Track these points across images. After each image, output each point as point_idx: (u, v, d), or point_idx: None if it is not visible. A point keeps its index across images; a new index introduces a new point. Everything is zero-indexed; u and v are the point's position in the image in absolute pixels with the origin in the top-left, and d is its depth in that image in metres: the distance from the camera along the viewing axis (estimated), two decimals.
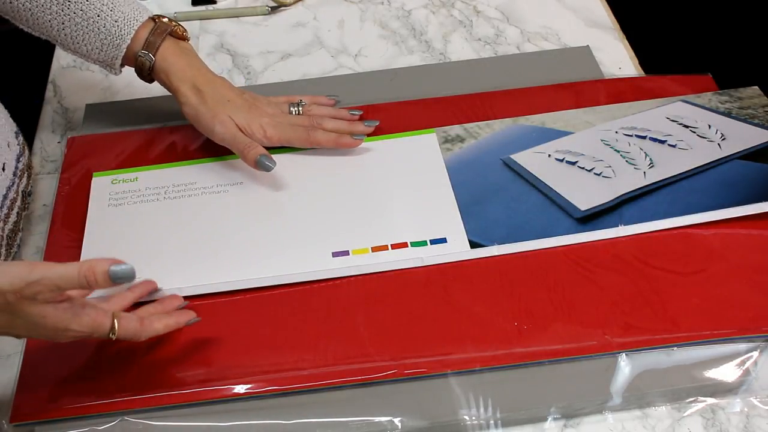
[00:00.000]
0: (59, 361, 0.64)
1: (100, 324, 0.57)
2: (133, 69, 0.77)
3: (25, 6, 0.72)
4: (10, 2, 0.72)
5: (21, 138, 0.76)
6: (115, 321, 0.58)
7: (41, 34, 0.75)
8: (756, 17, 1.74)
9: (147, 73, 0.76)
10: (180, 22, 0.78)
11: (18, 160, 0.73)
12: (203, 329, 0.65)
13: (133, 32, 0.73)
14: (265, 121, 0.76)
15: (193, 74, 0.75)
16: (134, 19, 0.74)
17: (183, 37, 0.77)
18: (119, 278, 0.54)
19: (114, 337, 0.58)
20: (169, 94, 0.86)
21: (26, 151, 0.77)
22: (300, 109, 0.79)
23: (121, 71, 0.77)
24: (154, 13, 0.76)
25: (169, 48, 0.75)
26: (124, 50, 0.74)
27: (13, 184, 0.72)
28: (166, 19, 0.76)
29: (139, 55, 0.74)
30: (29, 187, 0.76)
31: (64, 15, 0.72)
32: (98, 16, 0.73)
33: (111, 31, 0.73)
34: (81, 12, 0.72)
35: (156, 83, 0.78)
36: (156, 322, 0.61)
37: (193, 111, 0.75)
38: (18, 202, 0.72)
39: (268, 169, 0.73)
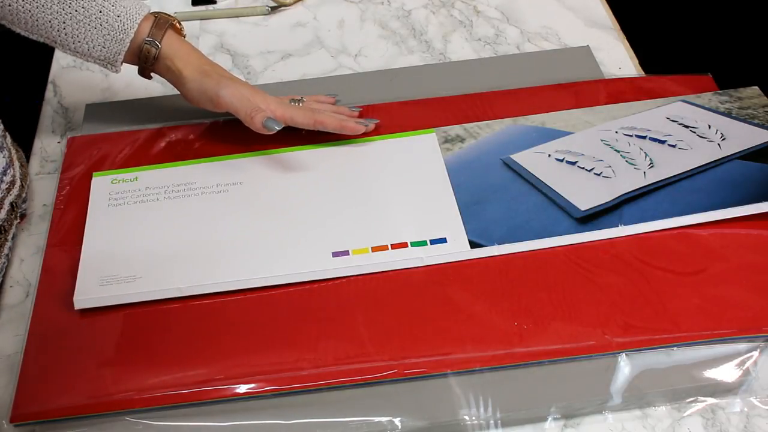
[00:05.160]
0: (59, 362, 0.64)
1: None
2: (133, 65, 0.77)
3: (25, 8, 0.72)
4: (9, 5, 0.72)
5: (7, 151, 0.75)
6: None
7: (39, 37, 0.74)
8: (756, 17, 1.74)
9: (151, 63, 0.76)
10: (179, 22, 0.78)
11: (4, 173, 0.73)
12: (203, 329, 0.65)
13: (136, 26, 0.74)
14: (269, 99, 0.77)
15: (198, 58, 0.77)
16: (136, 14, 0.74)
17: (181, 34, 0.78)
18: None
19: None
20: (169, 94, 0.87)
21: (15, 162, 0.76)
22: (301, 104, 0.80)
23: (120, 69, 0.77)
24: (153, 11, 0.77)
25: (173, 36, 0.76)
26: (128, 45, 0.74)
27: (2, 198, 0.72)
28: (165, 15, 0.77)
29: (146, 42, 0.75)
30: (23, 195, 0.76)
31: (66, 14, 0.72)
32: (100, 12, 0.73)
33: (114, 26, 0.73)
34: (82, 9, 0.72)
35: (155, 82, 0.78)
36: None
37: (196, 85, 0.75)
38: (2, 215, 0.72)
39: (273, 129, 0.74)
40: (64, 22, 0.73)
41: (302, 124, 0.77)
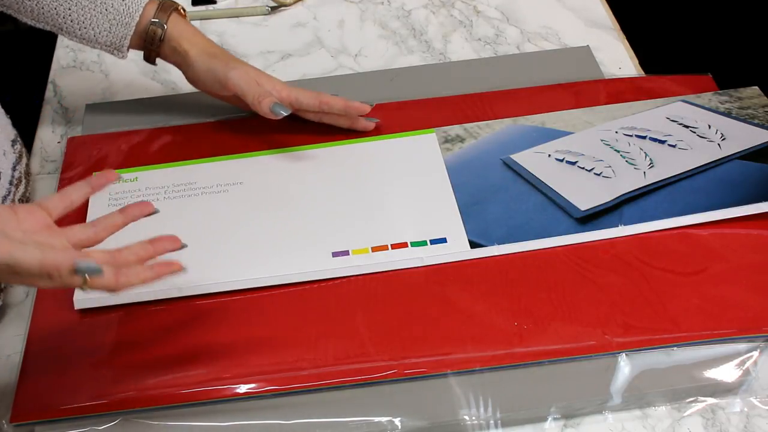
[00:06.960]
0: (59, 361, 0.64)
1: (59, 265, 0.51)
2: (139, 51, 0.77)
3: None
4: None
5: (19, 146, 0.76)
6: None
7: (46, 24, 0.75)
8: (756, 17, 1.74)
9: (156, 45, 0.76)
10: None
11: (14, 169, 0.73)
12: (203, 329, 0.65)
13: (141, 9, 0.74)
14: (275, 80, 0.77)
15: (204, 40, 0.77)
16: None
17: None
18: (84, 272, 0.51)
19: (86, 288, 0.53)
20: (169, 94, 0.87)
21: (24, 158, 0.77)
22: None
23: (127, 54, 0.77)
24: None
25: (178, 18, 0.76)
26: (133, 28, 0.75)
27: (10, 192, 0.72)
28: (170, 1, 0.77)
29: (151, 23, 0.75)
30: (27, 194, 0.76)
31: (71, 0, 0.73)
32: None
33: (119, 10, 0.74)
34: None
35: (155, 82, 0.78)
36: (133, 278, 0.55)
37: (203, 66, 0.75)
38: None
39: (280, 115, 0.74)
40: (69, 9, 0.73)
41: (307, 105, 0.77)
